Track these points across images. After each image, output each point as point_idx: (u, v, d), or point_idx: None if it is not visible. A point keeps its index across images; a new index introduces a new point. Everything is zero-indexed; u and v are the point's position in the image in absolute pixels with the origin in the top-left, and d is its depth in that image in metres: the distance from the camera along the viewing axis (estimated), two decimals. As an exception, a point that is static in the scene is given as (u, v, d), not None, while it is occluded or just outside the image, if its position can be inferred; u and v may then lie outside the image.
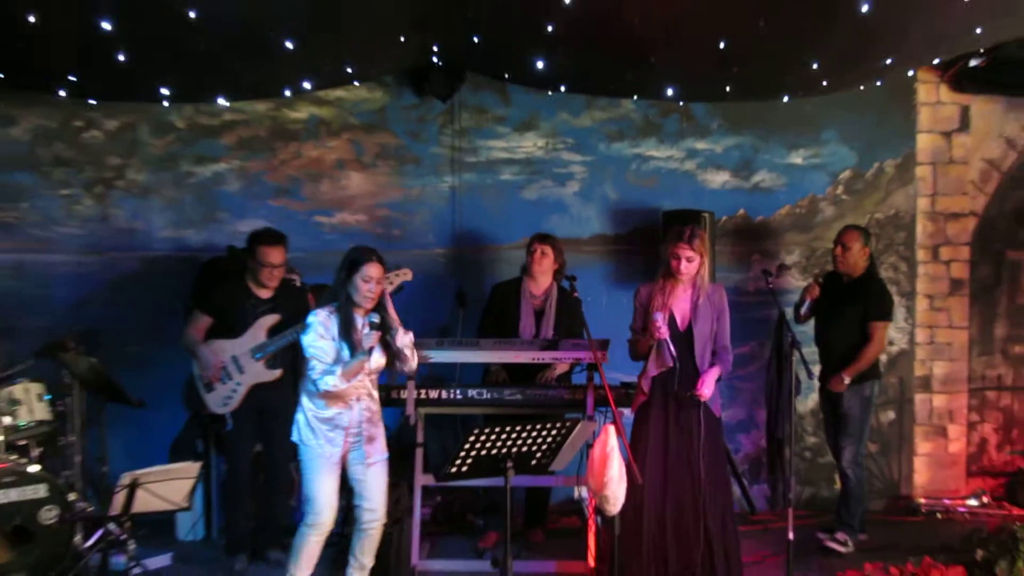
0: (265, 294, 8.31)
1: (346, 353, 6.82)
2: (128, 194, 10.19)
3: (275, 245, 8.22)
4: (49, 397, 8.57)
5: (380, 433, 7.16)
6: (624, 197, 10.25)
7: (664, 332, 7.19)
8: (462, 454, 6.16)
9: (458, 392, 8.27)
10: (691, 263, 7.30)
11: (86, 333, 8.77)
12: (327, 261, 9.26)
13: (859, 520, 8.82)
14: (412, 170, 10.23)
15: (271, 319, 8.24)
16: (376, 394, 7.15)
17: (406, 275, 7.65)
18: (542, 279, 8.87)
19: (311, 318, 6.86)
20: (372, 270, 6.82)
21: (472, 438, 6.11)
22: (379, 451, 7.14)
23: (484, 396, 8.26)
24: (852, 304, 8.47)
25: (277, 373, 8.25)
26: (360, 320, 6.87)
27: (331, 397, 6.90)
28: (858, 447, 8.74)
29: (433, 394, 8.20)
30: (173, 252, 10.15)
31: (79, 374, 8.40)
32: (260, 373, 8.20)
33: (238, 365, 8.16)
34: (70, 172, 10.17)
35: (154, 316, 9.79)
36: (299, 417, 7.05)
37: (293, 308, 8.29)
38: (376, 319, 6.77)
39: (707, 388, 7.22)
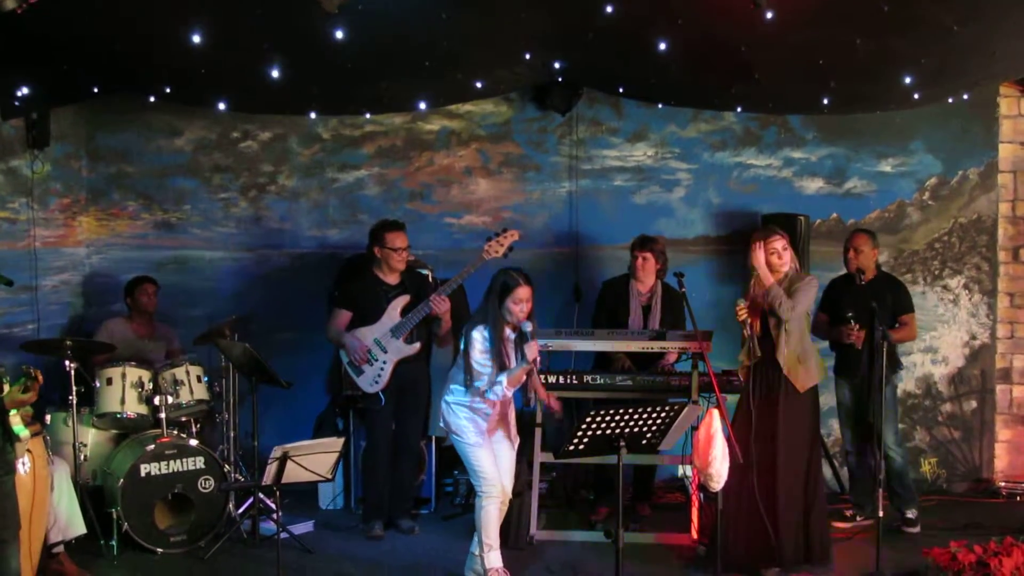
0: (393, 279, 8.37)
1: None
2: (279, 198, 10.33)
3: (398, 230, 8.34)
4: (207, 379, 8.70)
5: (512, 421, 7.22)
6: (726, 202, 10.15)
7: (741, 315, 7.18)
8: (579, 433, 6.16)
9: (574, 377, 8.28)
10: (784, 252, 7.36)
11: (240, 321, 8.84)
12: (455, 258, 9.35)
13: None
14: (533, 176, 10.23)
15: (402, 300, 8.29)
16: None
17: (513, 236, 7.83)
18: (647, 279, 8.85)
19: (474, 333, 6.88)
20: (522, 292, 6.80)
21: (588, 419, 6.10)
22: (513, 433, 7.22)
23: (598, 381, 8.27)
24: (878, 300, 8.12)
25: (417, 346, 8.30)
26: (508, 331, 6.92)
27: (475, 393, 6.97)
28: (896, 428, 8.69)
29: (551, 379, 8.21)
30: (318, 249, 10.27)
31: (234, 358, 8.50)
32: (402, 349, 8.25)
33: (381, 346, 8.21)
34: (228, 178, 10.34)
35: (301, 306, 9.92)
36: (444, 408, 7.12)
37: (418, 288, 8.41)
38: (529, 327, 6.80)
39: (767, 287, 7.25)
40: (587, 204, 10.20)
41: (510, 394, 6.96)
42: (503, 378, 6.78)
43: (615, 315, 8.84)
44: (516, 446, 7.28)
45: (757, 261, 7.34)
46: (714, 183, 10.20)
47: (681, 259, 9.54)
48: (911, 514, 8.55)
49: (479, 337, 6.86)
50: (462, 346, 7.00)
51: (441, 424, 7.22)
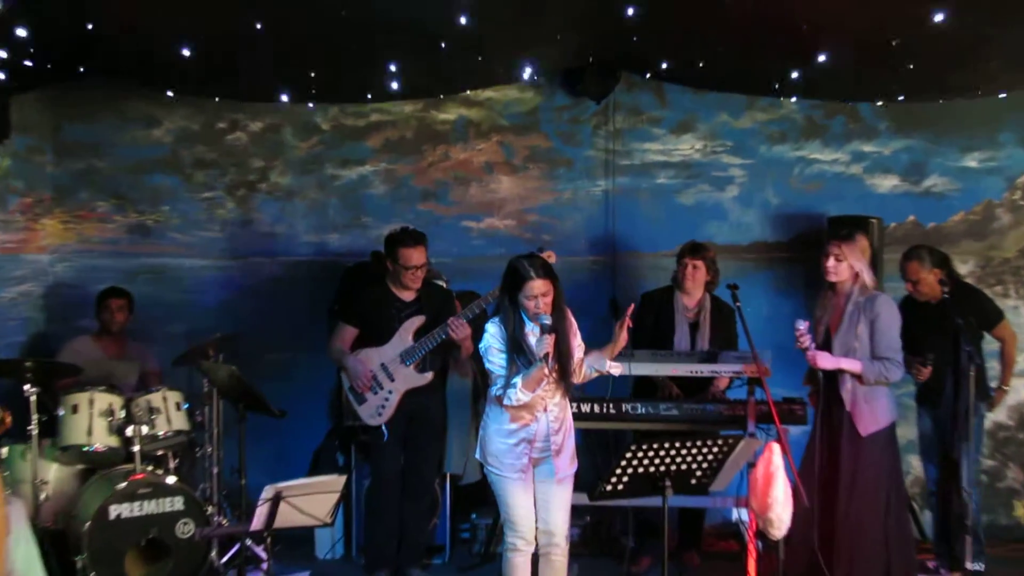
0: (408, 296, 8.24)
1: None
2: (271, 197, 10.28)
3: (415, 246, 8.11)
4: (187, 406, 8.62)
5: (569, 446, 6.87)
6: (786, 202, 10.08)
7: (805, 342, 7.04)
8: (618, 471, 6.10)
9: (611, 406, 8.18)
10: (839, 263, 7.20)
11: (226, 340, 8.78)
12: (474, 267, 9.27)
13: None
14: (564, 173, 10.17)
15: (416, 322, 8.16)
16: (566, 402, 6.85)
17: (549, 258, 7.53)
18: (695, 292, 8.74)
19: (488, 326, 6.71)
20: (536, 287, 6.51)
21: (629, 454, 6.05)
22: (566, 466, 6.85)
23: (638, 410, 8.18)
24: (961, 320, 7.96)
25: (428, 377, 8.17)
26: (530, 325, 6.65)
27: (515, 409, 6.69)
28: (974, 464, 8.43)
29: (585, 407, 8.14)
30: (316, 257, 10.22)
31: (218, 382, 8.41)
32: (411, 378, 8.13)
33: (388, 373, 8.10)
34: (212, 175, 10.30)
35: (296, 322, 9.88)
36: (483, 433, 6.88)
37: (438, 308, 8.24)
38: (548, 320, 6.46)
39: (824, 360, 7.12)
40: (625, 205, 10.14)
41: (525, 399, 6.58)
42: (518, 380, 6.55)
43: (657, 333, 8.72)
44: (571, 479, 6.92)
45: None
46: (772, 181, 10.12)
47: (734, 268, 9.50)
48: (977, 566, 8.36)
49: (489, 333, 6.70)
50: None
51: (477, 455, 7.02)
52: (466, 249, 10.07)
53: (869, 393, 7.19)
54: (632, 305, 6.77)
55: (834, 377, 7.18)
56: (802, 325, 7.11)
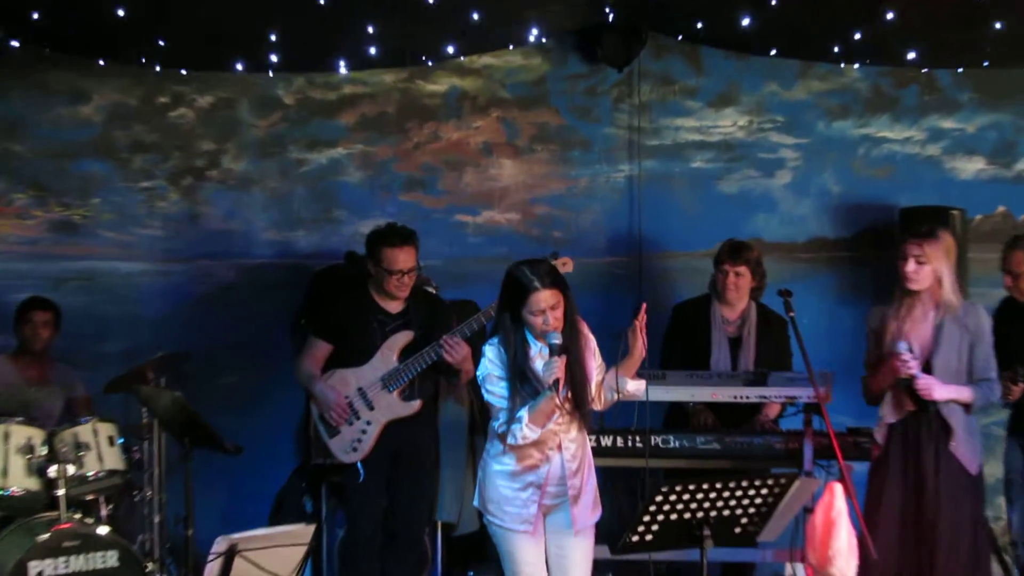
0: (394, 307, 8.19)
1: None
2: (223, 187, 10.31)
3: (403, 245, 8.04)
4: (123, 441, 8.55)
5: (590, 489, 6.77)
6: (849, 190, 10.13)
7: (914, 367, 6.98)
8: (646, 519, 6.04)
9: (637, 439, 8.18)
10: (921, 266, 7.10)
11: (170, 360, 8.80)
12: (470, 271, 9.28)
13: None
14: (579, 157, 10.20)
15: (403, 338, 8.11)
16: (585, 437, 6.75)
17: (566, 266, 7.59)
18: (738, 302, 8.69)
19: (485, 349, 6.59)
20: (541, 299, 6.35)
21: (660, 498, 5.99)
22: (587, 514, 6.74)
23: (671, 444, 8.18)
24: None
25: (415, 406, 8.11)
26: (537, 346, 6.58)
27: (522, 448, 6.59)
28: None
29: (605, 441, 8.13)
30: (278, 259, 10.25)
31: (160, 412, 8.41)
32: (394, 407, 8.08)
33: (366, 400, 8.06)
34: (152, 160, 10.30)
35: (255, 339, 9.90)
36: (482, 475, 6.81)
37: (430, 322, 8.19)
38: (557, 340, 6.33)
39: (939, 390, 7.02)
40: (654, 195, 10.17)
41: (534, 436, 6.45)
42: (523, 413, 6.48)
43: (693, 351, 8.69)
44: (591, 530, 6.83)
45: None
46: (832, 164, 10.17)
47: (786, 272, 9.57)
48: None
49: (489, 356, 6.59)
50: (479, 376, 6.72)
51: (475, 503, 6.96)
52: (460, 249, 10.09)
53: (970, 423, 7.18)
54: (644, 305, 6.59)
55: (922, 402, 7.13)
56: (904, 348, 7.03)
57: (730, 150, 10.17)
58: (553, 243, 9.81)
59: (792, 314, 7.64)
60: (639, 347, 6.44)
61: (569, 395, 6.45)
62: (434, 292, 8.89)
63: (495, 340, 6.54)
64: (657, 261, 10.07)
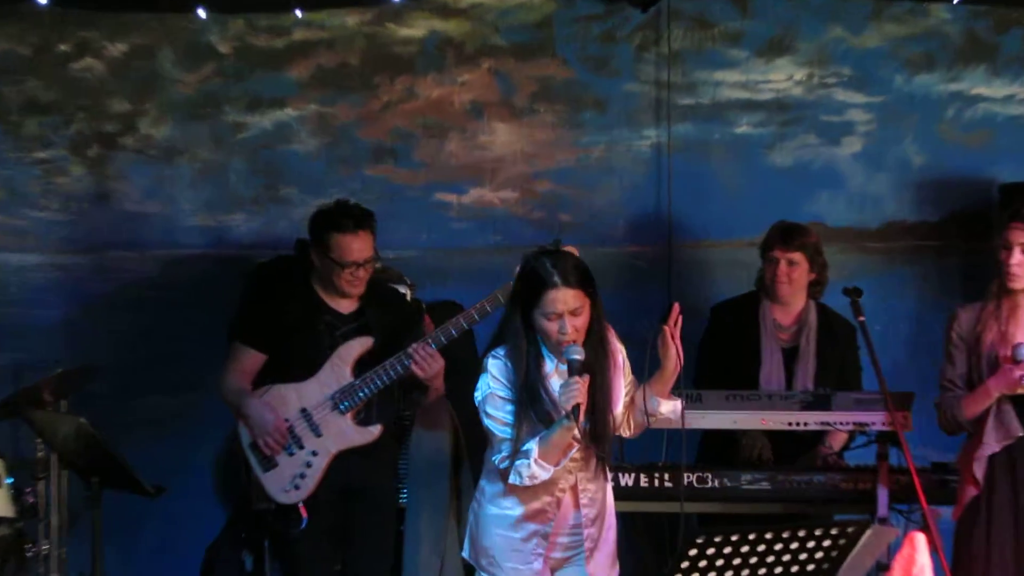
0: (347, 306, 8.16)
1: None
2: (141, 158, 10.31)
3: (355, 231, 7.97)
4: (11, 481, 8.55)
5: (610, 541, 6.75)
6: (935, 162, 10.15)
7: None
8: (679, 575, 6.03)
9: (667, 476, 8.17)
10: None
11: (72, 377, 8.77)
12: (455, 264, 9.27)
13: None
14: (592, 119, 10.21)
15: (360, 346, 8.06)
16: (605, 477, 6.71)
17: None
18: (792, 300, 8.70)
19: (488, 363, 6.48)
20: (560, 300, 6.24)
21: (694, 551, 5.97)
22: (606, 570, 6.74)
23: (708, 484, 8.18)
24: None
25: (375, 432, 8.06)
26: (552, 363, 6.56)
27: (526, 488, 6.56)
28: None
29: (626, 479, 8.13)
30: (212, 249, 10.27)
31: (60, 443, 8.41)
32: (347, 433, 8.02)
33: (311, 424, 8.02)
34: (50, 124, 10.29)
35: (183, 349, 9.89)
36: (473, 521, 6.79)
37: (393, 327, 8.16)
38: (578, 355, 6.23)
39: None
40: (687, 167, 10.18)
41: (544, 475, 6.33)
42: (532, 446, 6.41)
43: (736, 365, 8.70)
44: None
45: None
46: (913, 129, 10.18)
47: (855, 265, 9.63)
48: None
49: (492, 371, 6.55)
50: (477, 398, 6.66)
51: (464, 553, 6.94)
52: (441, 237, 10.10)
53: None
54: (676, 305, 6.55)
55: None
56: None
57: (783, 111, 10.18)
58: (559, 228, 9.80)
59: (862, 318, 7.67)
60: (673, 358, 6.40)
61: (590, 426, 6.35)
62: (407, 291, 8.88)
63: (500, 351, 6.42)
64: (691, 251, 10.11)
